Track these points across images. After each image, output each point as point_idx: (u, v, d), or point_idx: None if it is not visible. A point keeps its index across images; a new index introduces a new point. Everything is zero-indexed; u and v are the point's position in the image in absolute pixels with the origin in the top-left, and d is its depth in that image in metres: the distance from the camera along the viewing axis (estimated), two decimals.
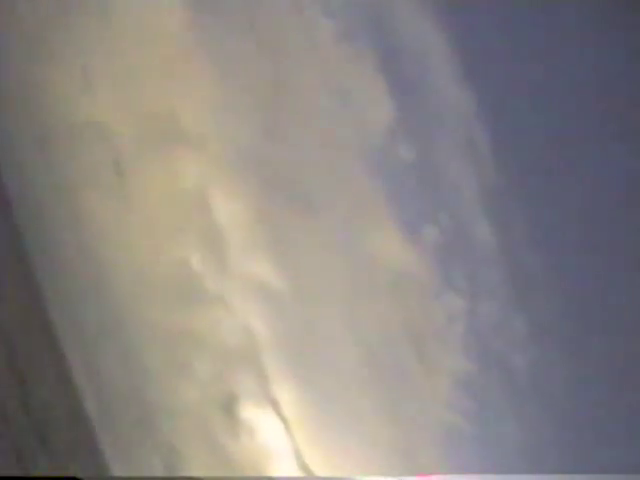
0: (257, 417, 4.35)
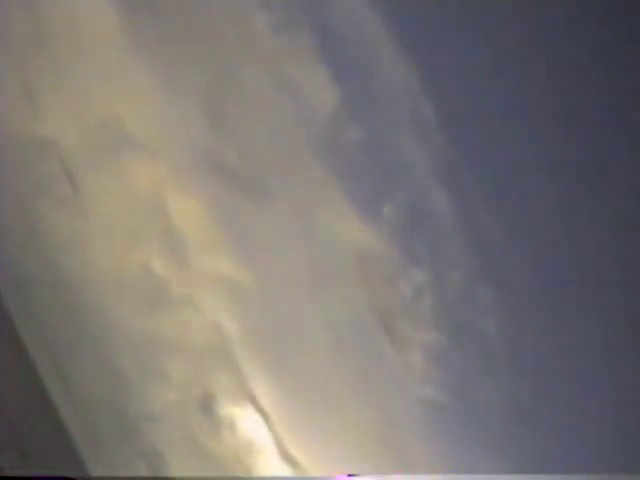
0: (236, 413, 4.31)
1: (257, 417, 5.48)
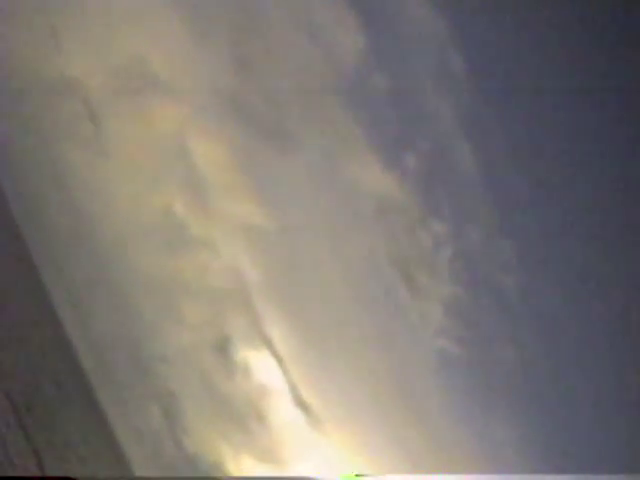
0: (251, 356, 4.64)
1: (272, 361, 5.79)
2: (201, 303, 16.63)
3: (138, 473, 13.82)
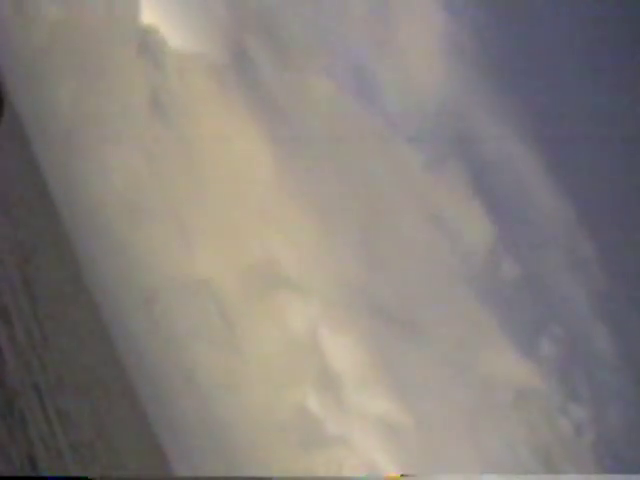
0: None
1: None
2: None
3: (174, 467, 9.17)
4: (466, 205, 15.18)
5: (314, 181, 15.63)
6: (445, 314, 15.25)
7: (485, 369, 12.84)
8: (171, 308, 15.26)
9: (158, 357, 15.15)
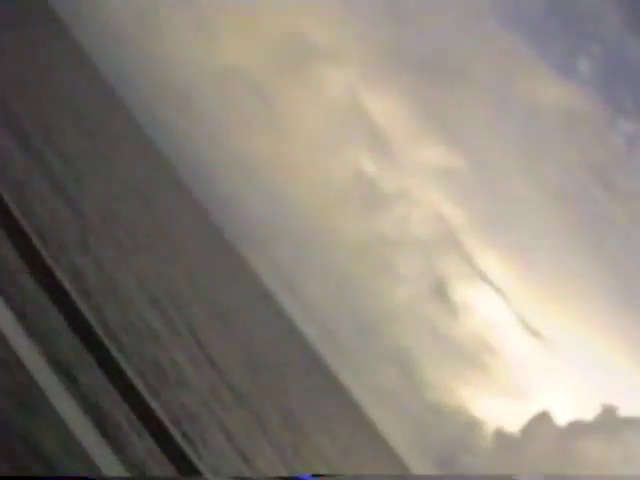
0: (470, 294, 18.13)
1: (492, 294, 15.73)
2: (410, 254, 12.75)
3: (385, 432, 10.26)
4: None
5: None
6: (478, 53, 14.93)
7: (530, 98, 12.87)
8: (206, 102, 14.90)
9: (205, 155, 14.96)
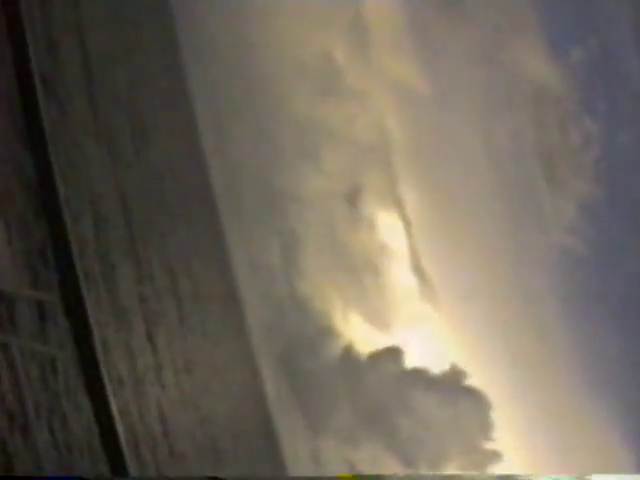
0: (379, 214, 16.37)
1: (398, 223, 13.69)
2: (342, 152, 12.64)
3: (246, 304, 10.31)
4: None
5: None
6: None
7: (513, 60, 12.32)
8: None
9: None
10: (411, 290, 14.98)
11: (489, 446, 16.45)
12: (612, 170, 12.70)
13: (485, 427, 17.01)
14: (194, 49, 13.53)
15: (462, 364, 15.45)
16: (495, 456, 16.68)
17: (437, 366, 15.74)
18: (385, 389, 15.38)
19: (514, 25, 13.25)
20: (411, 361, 16.00)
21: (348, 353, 16.16)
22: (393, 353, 16.63)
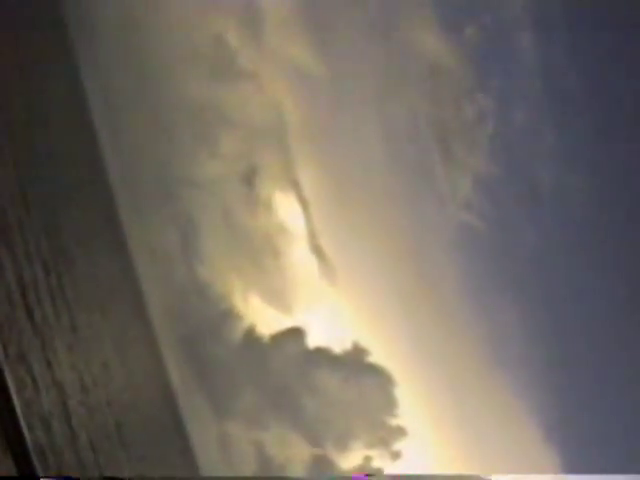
0: (276, 196, 17.21)
1: (295, 204, 14.15)
2: (237, 135, 12.11)
3: (146, 289, 10.06)
4: None
5: None
6: None
7: (407, 37, 12.23)
8: None
9: None
10: (311, 270, 15.05)
11: (394, 422, 16.75)
12: (507, 145, 12.82)
13: (389, 403, 17.30)
14: (83, 31, 13.25)
15: (364, 342, 15.66)
16: (400, 432, 16.99)
17: (340, 345, 15.93)
18: (289, 370, 15.50)
19: (408, 2, 13.18)
20: (314, 341, 16.15)
21: (250, 335, 16.22)
22: (295, 333, 16.77)
